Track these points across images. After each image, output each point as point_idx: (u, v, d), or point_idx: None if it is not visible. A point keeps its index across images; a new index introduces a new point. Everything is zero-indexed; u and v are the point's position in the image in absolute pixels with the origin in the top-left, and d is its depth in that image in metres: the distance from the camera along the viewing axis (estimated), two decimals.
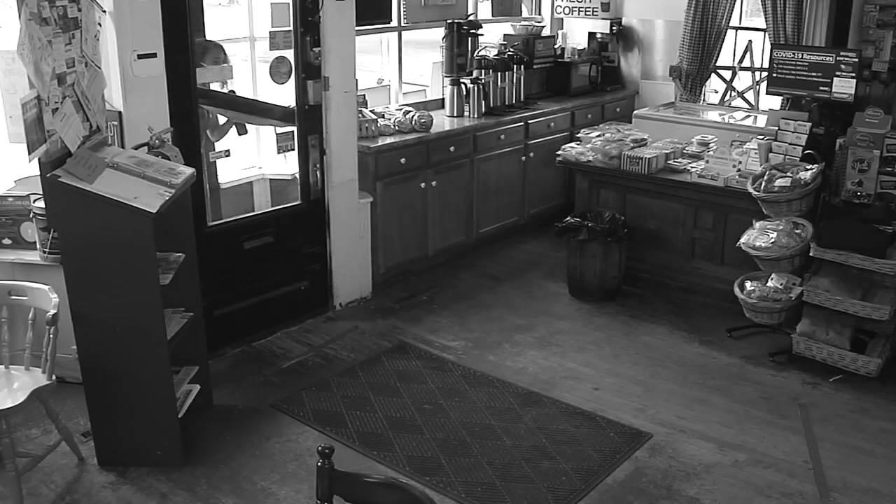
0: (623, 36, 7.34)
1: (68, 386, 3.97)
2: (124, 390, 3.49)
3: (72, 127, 3.35)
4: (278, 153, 4.88)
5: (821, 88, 5.05)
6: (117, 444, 3.56)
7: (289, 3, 4.58)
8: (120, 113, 3.90)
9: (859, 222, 4.30)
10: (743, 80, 7.26)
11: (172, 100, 4.09)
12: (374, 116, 5.49)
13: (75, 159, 3.30)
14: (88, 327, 3.40)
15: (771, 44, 5.98)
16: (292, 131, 4.83)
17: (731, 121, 6.36)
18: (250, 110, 5.02)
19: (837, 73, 4.98)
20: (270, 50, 4.65)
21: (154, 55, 3.95)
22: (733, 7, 6.55)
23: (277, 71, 4.69)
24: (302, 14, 4.63)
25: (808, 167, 4.61)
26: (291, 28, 4.63)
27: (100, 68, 3.65)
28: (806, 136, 4.82)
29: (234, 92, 4.88)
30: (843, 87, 4.93)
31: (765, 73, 6.07)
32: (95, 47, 3.60)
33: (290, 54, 4.69)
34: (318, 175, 4.95)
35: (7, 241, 4.17)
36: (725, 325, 4.94)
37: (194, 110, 4.28)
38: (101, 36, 3.69)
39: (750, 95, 7.12)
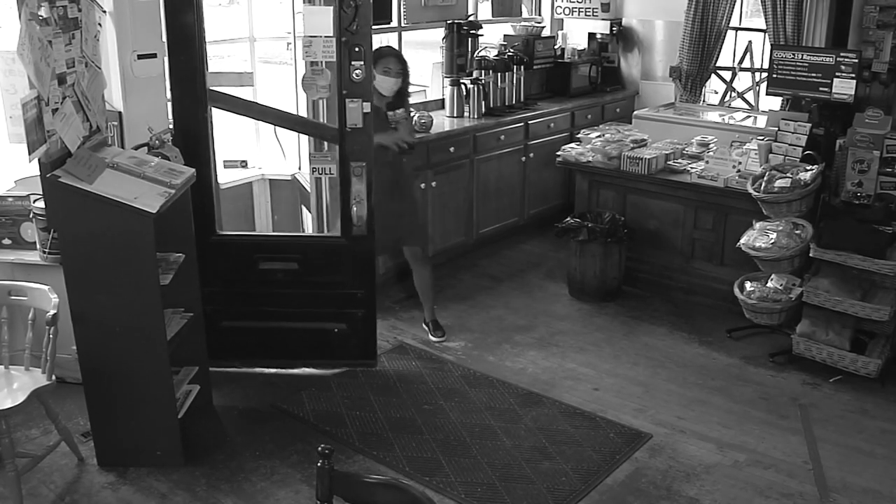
0: (623, 36, 7.34)
1: (68, 386, 3.96)
2: (124, 391, 3.48)
3: (72, 127, 3.35)
4: (311, 174, 4.43)
5: (821, 89, 5.05)
6: (117, 445, 3.56)
7: (329, 10, 3.94)
8: (120, 113, 3.90)
9: (859, 223, 4.30)
10: (743, 81, 7.26)
11: (176, 101, 4.08)
12: None
13: (75, 159, 3.30)
14: (88, 327, 3.39)
15: (771, 44, 5.98)
16: (330, 152, 4.30)
17: (731, 121, 6.35)
18: (281, 121, 4.68)
19: (837, 74, 4.97)
20: (304, 58, 4.04)
21: (154, 55, 3.95)
22: (733, 8, 6.55)
23: (313, 83, 4.08)
24: (343, 23, 3.98)
25: (808, 168, 4.61)
26: (333, 36, 3.97)
27: (100, 68, 3.64)
28: (806, 136, 4.81)
29: None
30: (843, 87, 4.93)
31: (765, 74, 6.07)
32: (95, 47, 3.60)
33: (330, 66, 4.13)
34: (355, 209, 4.22)
35: (7, 242, 4.16)
36: (725, 325, 4.94)
37: (201, 112, 4.15)
38: (101, 36, 3.68)
39: (750, 96, 7.12)
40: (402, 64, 4.55)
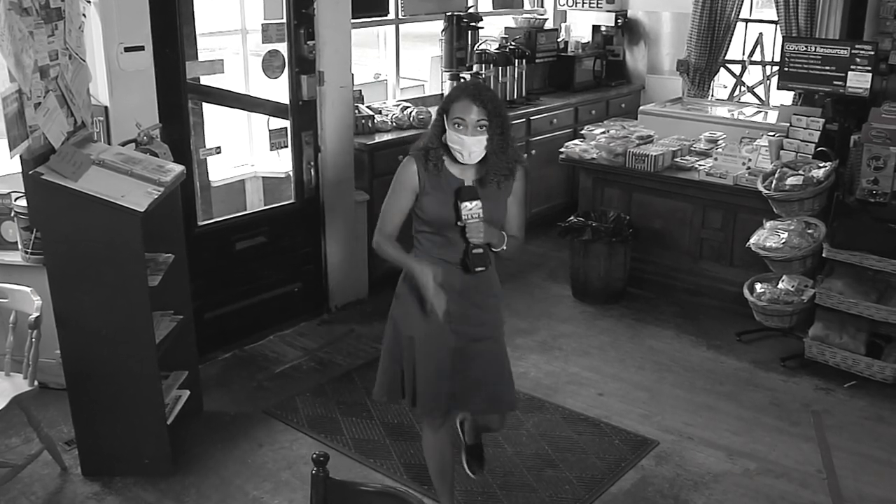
0: (628, 29, 7.34)
1: (51, 392, 3.95)
2: (110, 396, 3.47)
3: (55, 122, 3.33)
4: (271, 150, 4.84)
5: (835, 83, 5.02)
6: (102, 453, 3.54)
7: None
8: (106, 108, 3.89)
9: (874, 222, 4.28)
10: (753, 75, 7.26)
11: (161, 94, 4.07)
12: (371, 112, 5.48)
13: (59, 156, 3.28)
14: (73, 331, 3.38)
15: (783, 36, 5.97)
16: (285, 127, 4.81)
17: (741, 117, 6.30)
18: (242, 105, 5.01)
19: (852, 67, 4.94)
20: (263, 43, 4.59)
21: (142, 48, 3.93)
22: None
23: (270, 65, 4.65)
24: (296, 6, 4.60)
25: (821, 165, 4.60)
26: (284, 20, 4.59)
27: (84, 61, 3.62)
28: (819, 132, 4.80)
29: None
30: (859, 81, 4.90)
31: (776, 68, 6.06)
32: (80, 39, 3.58)
33: (282, 47, 4.65)
34: (313, 173, 4.92)
35: None
36: (734, 328, 4.92)
37: (184, 105, 4.27)
38: (85, 27, 3.67)
39: (760, 90, 7.12)
40: (487, 108, 2.78)
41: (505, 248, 2.92)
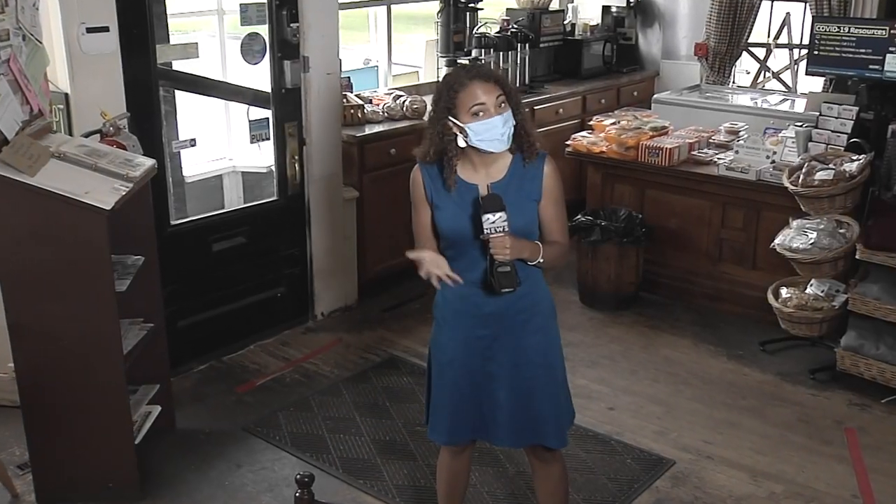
0: (641, 10, 7.41)
1: (2, 410, 3.93)
2: (71, 414, 3.43)
3: (8, 110, 3.28)
4: (251, 142, 4.82)
5: (871, 67, 4.99)
6: (61, 477, 3.49)
7: None
8: (66, 95, 3.87)
9: None
10: (779, 59, 7.29)
11: (128, 81, 4.06)
12: (361, 101, 5.48)
13: (13, 148, 3.23)
14: (29, 341, 3.33)
15: (812, 16, 6.00)
16: (267, 118, 4.78)
17: (765, 105, 6.37)
18: (219, 93, 5.04)
19: (891, 49, 4.92)
20: (242, 25, 4.56)
21: (106, 29, 3.91)
22: None
23: (249, 49, 4.62)
24: None
25: (854, 158, 4.55)
26: (265, 0, 4.55)
27: (41, 43, 3.58)
28: (852, 122, 4.76)
29: None
30: None
31: (804, 51, 6.06)
32: (34, 18, 3.53)
33: (263, 30, 4.63)
34: (297, 167, 4.88)
35: None
36: (758, 337, 4.91)
37: (154, 93, 4.26)
38: (41, 5, 3.62)
39: (787, 76, 7.15)
40: (500, 83, 2.67)
41: (542, 259, 2.75)
